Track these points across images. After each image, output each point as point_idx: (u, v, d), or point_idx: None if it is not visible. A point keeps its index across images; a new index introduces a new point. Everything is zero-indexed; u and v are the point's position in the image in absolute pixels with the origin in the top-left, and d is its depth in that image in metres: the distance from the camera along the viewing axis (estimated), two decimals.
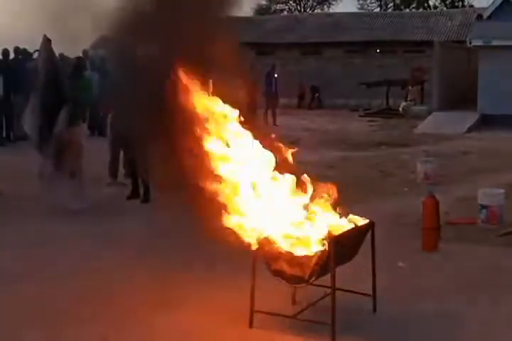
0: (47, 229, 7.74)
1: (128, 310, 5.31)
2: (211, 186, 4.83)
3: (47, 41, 8.48)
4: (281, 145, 5.09)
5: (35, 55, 12.24)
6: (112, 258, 6.64)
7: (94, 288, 5.80)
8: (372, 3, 57.15)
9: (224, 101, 5.00)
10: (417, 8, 52.54)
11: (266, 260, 4.85)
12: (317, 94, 28.43)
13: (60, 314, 5.25)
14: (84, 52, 16.14)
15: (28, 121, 8.59)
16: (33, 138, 8.57)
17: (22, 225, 7.96)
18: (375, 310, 5.21)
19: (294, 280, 4.80)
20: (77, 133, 8.96)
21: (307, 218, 4.95)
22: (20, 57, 16.05)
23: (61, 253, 6.88)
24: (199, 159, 4.81)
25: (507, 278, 6.11)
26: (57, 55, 9.47)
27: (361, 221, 5.11)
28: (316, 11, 56.74)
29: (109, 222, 8.03)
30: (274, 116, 20.54)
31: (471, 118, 19.60)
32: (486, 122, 19.04)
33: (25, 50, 16.09)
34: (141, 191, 9.29)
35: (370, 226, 5.16)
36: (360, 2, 57.31)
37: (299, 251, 4.70)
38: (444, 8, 49.37)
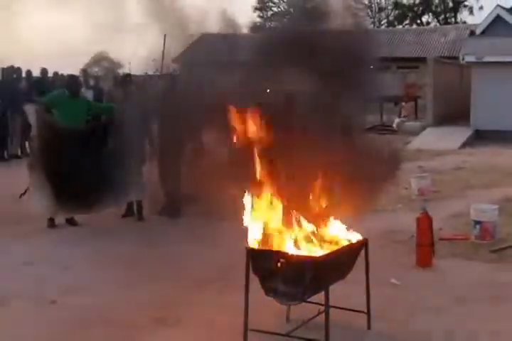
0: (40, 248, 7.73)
1: (126, 329, 5.30)
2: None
3: None
4: None
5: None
6: (110, 277, 6.63)
7: (93, 307, 5.78)
8: (365, 20, 57.60)
9: None
10: (411, 24, 52.96)
11: (260, 278, 4.85)
12: None
13: (58, 334, 5.24)
14: (83, 70, 16.19)
15: None
16: None
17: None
18: (369, 327, 5.20)
19: (288, 297, 4.80)
20: None
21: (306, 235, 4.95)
22: (15, 76, 16.10)
23: (57, 272, 6.85)
24: None
25: (502, 293, 6.11)
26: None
27: (355, 238, 5.13)
28: None
29: (107, 241, 8.02)
30: None
31: (464, 133, 19.68)
32: (480, 137, 19.13)
33: (18, 68, 16.17)
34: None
35: (363, 243, 5.17)
36: None
37: (293, 268, 4.71)
38: (437, 25, 49.81)
